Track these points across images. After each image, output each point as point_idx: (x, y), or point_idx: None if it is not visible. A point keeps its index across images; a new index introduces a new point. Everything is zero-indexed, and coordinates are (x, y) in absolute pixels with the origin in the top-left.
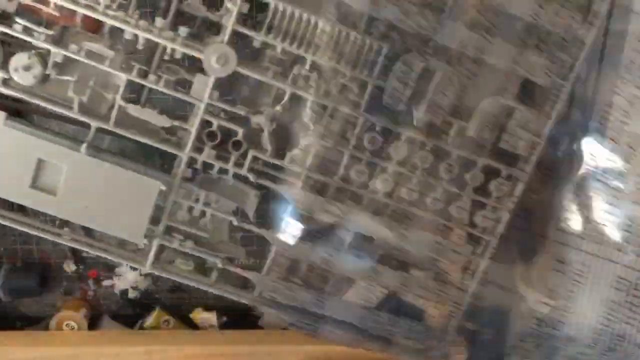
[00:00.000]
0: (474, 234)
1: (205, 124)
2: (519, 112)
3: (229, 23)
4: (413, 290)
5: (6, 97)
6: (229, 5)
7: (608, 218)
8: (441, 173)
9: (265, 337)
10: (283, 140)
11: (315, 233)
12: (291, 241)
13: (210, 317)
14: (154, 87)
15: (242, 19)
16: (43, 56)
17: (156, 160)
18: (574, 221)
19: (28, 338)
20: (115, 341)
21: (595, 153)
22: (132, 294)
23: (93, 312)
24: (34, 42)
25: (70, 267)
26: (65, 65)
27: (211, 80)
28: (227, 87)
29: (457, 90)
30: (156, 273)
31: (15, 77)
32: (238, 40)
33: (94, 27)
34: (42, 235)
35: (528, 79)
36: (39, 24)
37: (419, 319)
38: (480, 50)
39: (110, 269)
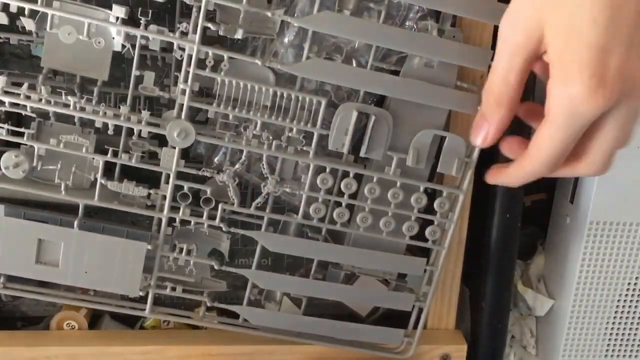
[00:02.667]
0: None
1: (177, 187)
2: (449, 139)
3: (185, 100)
4: None
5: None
6: (182, 86)
7: None
8: (389, 199)
9: (265, 337)
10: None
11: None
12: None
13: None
14: (127, 163)
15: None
16: (28, 151)
17: None
18: None
19: (28, 338)
20: (115, 341)
21: None
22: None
23: (93, 312)
24: (20, 141)
25: None
26: (49, 156)
27: (176, 152)
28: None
29: (391, 129)
30: (155, 317)
31: (7, 174)
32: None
33: None
34: (63, 302)
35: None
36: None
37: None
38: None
39: None
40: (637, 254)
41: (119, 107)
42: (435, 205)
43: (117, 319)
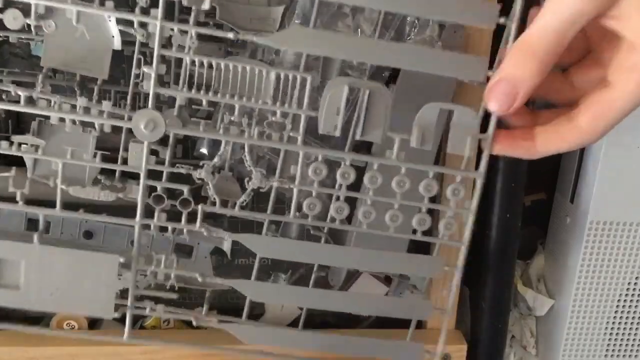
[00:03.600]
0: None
1: (150, 188)
2: (458, 113)
3: (150, 87)
4: None
5: None
6: (145, 69)
7: None
8: (394, 188)
9: None
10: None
11: None
12: None
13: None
14: (91, 165)
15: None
16: None
17: None
18: None
19: (28, 338)
20: (115, 341)
21: None
22: None
23: None
24: None
25: None
26: None
27: (145, 147)
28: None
29: (389, 106)
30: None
31: None
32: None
33: None
34: None
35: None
36: None
37: None
38: None
39: None
40: (637, 254)
41: (119, 105)
42: (448, 193)
43: (117, 319)
